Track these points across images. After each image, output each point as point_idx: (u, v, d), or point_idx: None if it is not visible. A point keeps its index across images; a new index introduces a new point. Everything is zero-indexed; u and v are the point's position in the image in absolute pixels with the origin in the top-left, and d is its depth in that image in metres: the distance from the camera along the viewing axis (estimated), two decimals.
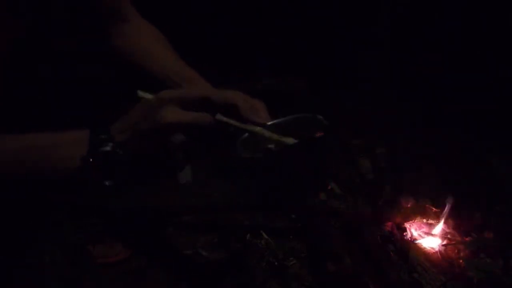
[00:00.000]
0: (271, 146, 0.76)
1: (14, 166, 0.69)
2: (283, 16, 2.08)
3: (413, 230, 1.14)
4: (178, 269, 1.01)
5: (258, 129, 0.75)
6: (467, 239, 1.12)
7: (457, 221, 1.14)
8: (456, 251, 1.08)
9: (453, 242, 1.11)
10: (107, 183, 0.66)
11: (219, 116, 0.71)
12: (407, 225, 1.15)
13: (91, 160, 0.64)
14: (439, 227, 1.13)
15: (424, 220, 1.15)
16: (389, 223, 1.16)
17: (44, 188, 0.77)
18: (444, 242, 1.11)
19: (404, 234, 1.12)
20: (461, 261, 1.05)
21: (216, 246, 1.09)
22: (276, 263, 1.02)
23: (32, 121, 0.80)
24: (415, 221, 1.15)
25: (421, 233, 1.14)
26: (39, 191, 0.77)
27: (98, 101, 0.90)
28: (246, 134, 0.77)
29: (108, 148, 0.65)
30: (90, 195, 0.98)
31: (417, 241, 1.11)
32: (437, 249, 1.09)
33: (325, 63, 2.06)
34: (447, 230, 1.14)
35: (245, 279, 0.96)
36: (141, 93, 0.72)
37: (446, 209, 1.14)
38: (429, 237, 1.12)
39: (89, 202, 1.07)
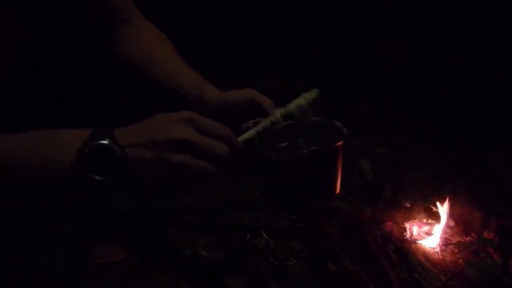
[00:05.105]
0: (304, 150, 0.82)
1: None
2: (283, 15, 2.08)
3: (413, 230, 1.13)
4: (178, 269, 1.00)
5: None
6: (467, 239, 1.12)
7: (457, 221, 1.14)
8: (456, 251, 1.08)
9: (453, 242, 1.11)
10: (97, 177, 0.63)
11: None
12: (407, 225, 1.15)
13: (86, 151, 0.61)
14: (439, 227, 1.13)
15: (424, 220, 1.15)
16: (389, 223, 1.16)
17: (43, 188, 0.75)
18: (444, 242, 1.11)
19: (404, 234, 1.12)
20: (461, 261, 1.05)
21: (216, 246, 1.08)
22: (276, 263, 1.02)
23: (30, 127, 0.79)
24: (415, 221, 1.15)
25: (421, 233, 1.14)
26: (39, 192, 0.76)
27: (100, 108, 0.89)
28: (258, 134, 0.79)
29: (105, 142, 0.61)
30: (88, 195, 0.98)
31: (417, 241, 1.11)
32: (437, 249, 1.09)
33: (324, 63, 2.06)
34: (447, 230, 1.14)
35: (245, 279, 0.96)
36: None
37: (446, 209, 1.14)
38: (429, 237, 1.12)
39: (89, 202, 1.07)
